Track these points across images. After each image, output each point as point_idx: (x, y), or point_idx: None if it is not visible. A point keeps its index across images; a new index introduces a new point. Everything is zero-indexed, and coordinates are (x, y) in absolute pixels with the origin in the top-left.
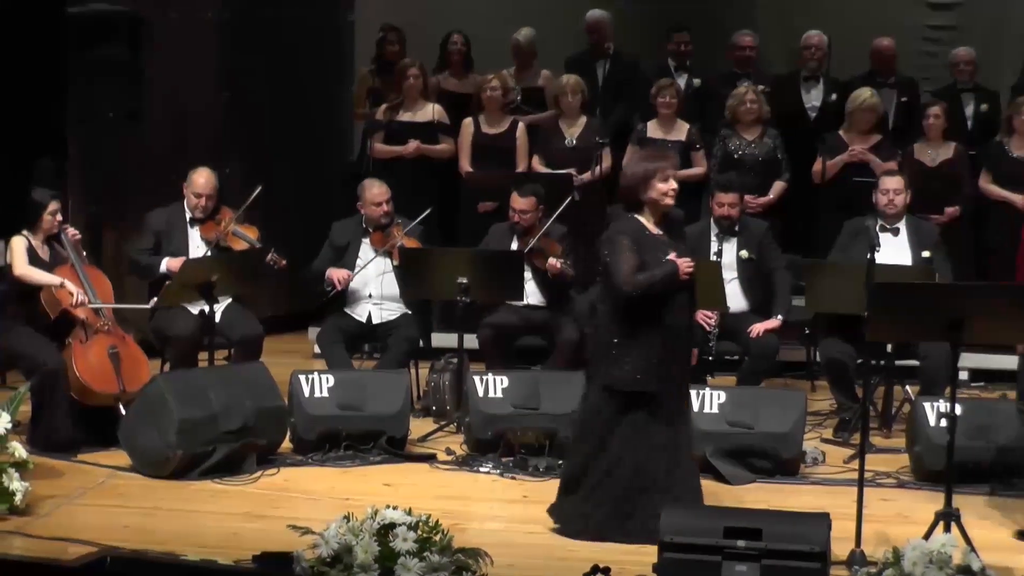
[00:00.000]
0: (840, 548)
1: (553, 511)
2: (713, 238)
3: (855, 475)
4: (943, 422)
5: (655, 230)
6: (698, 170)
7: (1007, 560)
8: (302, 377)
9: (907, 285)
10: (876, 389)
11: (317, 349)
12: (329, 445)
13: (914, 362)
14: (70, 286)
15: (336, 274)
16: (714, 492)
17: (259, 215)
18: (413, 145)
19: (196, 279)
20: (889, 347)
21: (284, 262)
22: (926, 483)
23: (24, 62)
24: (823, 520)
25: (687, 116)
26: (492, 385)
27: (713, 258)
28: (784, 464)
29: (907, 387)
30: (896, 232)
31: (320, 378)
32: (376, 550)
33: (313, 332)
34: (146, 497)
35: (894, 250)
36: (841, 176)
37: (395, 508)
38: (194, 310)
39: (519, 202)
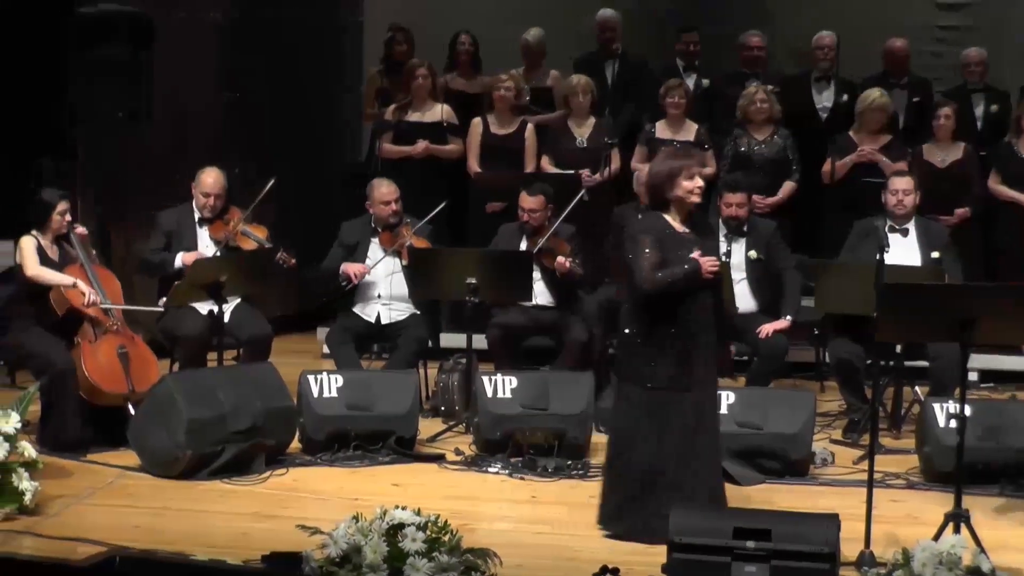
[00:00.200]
0: (849, 549)
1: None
2: (722, 238)
3: (864, 476)
4: (953, 423)
5: (680, 228)
6: (707, 170)
7: (1017, 561)
8: (311, 377)
9: (916, 286)
10: (885, 390)
11: (326, 349)
12: (338, 445)
13: (924, 363)
14: (82, 286)
15: (351, 268)
16: None
17: (274, 208)
18: (422, 145)
19: (205, 279)
20: (898, 348)
21: (293, 261)
22: (936, 484)
23: (30, 62)
24: (832, 521)
25: (695, 116)
26: (501, 385)
27: (722, 258)
28: (793, 465)
29: (916, 388)
30: (905, 233)
31: (329, 378)
32: (385, 550)
33: (322, 332)
34: (155, 497)
35: (903, 251)
36: (850, 176)
37: (404, 508)
38: (203, 310)
39: (528, 201)
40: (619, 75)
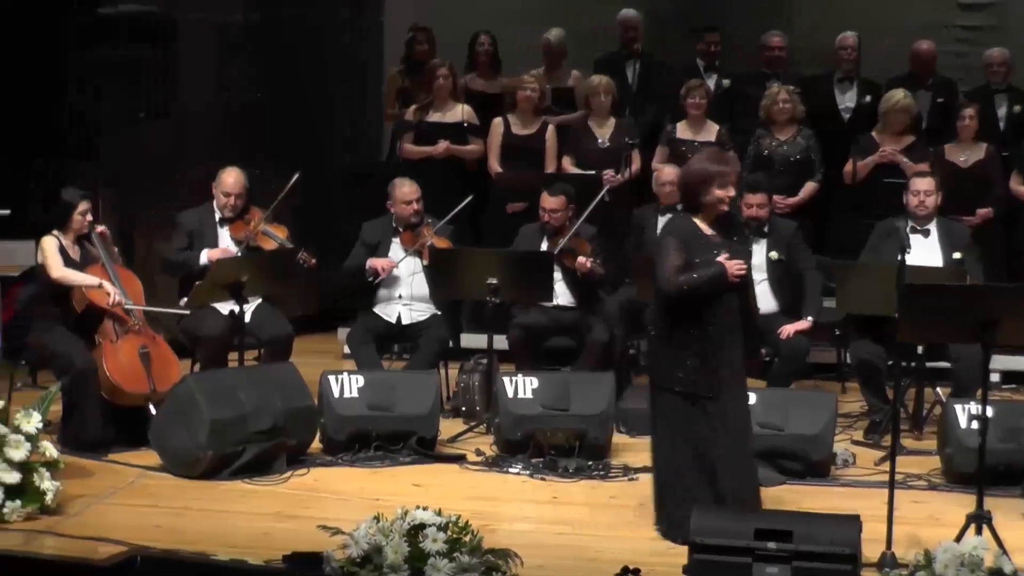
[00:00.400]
0: (871, 550)
1: None
2: None
3: (886, 477)
4: (974, 424)
5: (709, 231)
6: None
7: None
8: (332, 377)
9: (938, 286)
10: (907, 391)
11: (347, 349)
12: (359, 445)
13: (945, 364)
14: (107, 286)
15: (378, 262)
16: None
17: (294, 207)
18: (443, 145)
19: (226, 279)
20: (920, 349)
21: (314, 261)
22: (957, 485)
23: (53, 63)
24: (854, 522)
25: (716, 116)
26: (522, 386)
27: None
28: (814, 466)
29: (938, 389)
30: (927, 233)
31: (350, 378)
32: (406, 551)
33: (343, 332)
34: (176, 497)
35: (925, 251)
36: (872, 177)
37: (425, 509)
38: (224, 310)
39: (549, 201)
40: (640, 75)
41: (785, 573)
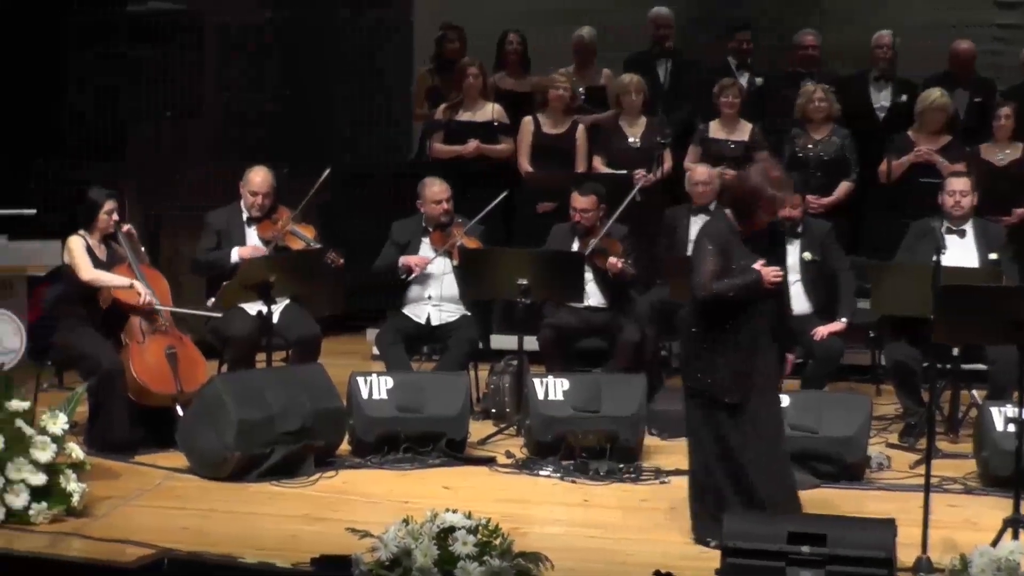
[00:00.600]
0: (906, 555)
1: None
2: None
3: (921, 480)
4: (1011, 427)
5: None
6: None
7: None
8: (361, 379)
9: (974, 288)
10: (942, 393)
11: (376, 350)
12: (388, 447)
13: (981, 366)
14: (138, 286)
15: (411, 259)
16: None
17: (322, 207)
18: (473, 144)
19: (254, 279)
20: (956, 350)
21: (342, 261)
22: (994, 489)
23: (78, 62)
24: (889, 526)
25: (747, 115)
26: (552, 387)
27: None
28: (849, 469)
29: (974, 391)
30: (962, 234)
31: (379, 380)
32: (435, 554)
33: (372, 333)
34: (203, 499)
35: (960, 252)
36: (908, 177)
37: (455, 511)
38: (252, 311)
39: (580, 201)
40: (672, 74)
41: None
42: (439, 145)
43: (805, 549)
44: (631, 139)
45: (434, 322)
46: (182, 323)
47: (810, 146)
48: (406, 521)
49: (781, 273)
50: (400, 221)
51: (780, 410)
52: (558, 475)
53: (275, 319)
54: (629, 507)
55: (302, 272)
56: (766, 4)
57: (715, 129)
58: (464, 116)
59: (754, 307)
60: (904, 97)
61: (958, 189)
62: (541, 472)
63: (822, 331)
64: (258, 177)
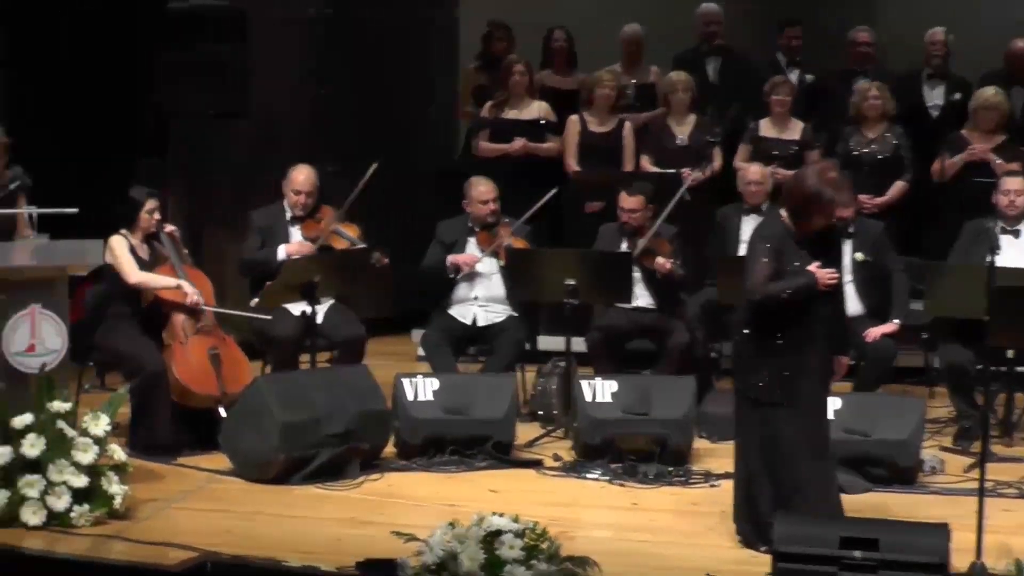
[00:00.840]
0: (960, 560)
1: None
2: None
3: (975, 484)
4: None
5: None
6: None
7: None
8: (406, 380)
9: None
10: (997, 396)
11: (421, 352)
12: (434, 450)
13: None
14: (186, 286)
15: (459, 258)
16: None
17: (366, 206)
18: (519, 143)
19: (298, 279)
20: (1010, 353)
21: (387, 261)
22: None
23: (122, 58)
24: (942, 531)
25: (797, 113)
26: (601, 389)
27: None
28: (901, 472)
29: None
30: (1017, 234)
31: (424, 381)
32: (482, 558)
33: (417, 334)
34: (247, 502)
35: (1015, 252)
36: (961, 176)
37: (501, 515)
38: (296, 311)
39: (627, 201)
40: (722, 71)
41: None
42: (485, 143)
43: (857, 554)
44: (679, 138)
45: (480, 323)
46: (225, 323)
47: (864, 145)
48: (452, 524)
49: (836, 275)
50: (446, 221)
51: (827, 417)
52: (606, 478)
53: (319, 319)
54: (678, 511)
55: (346, 272)
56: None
57: (766, 127)
58: (510, 114)
59: (808, 310)
60: (958, 95)
61: (1013, 188)
62: (589, 475)
63: (874, 333)
64: (301, 176)
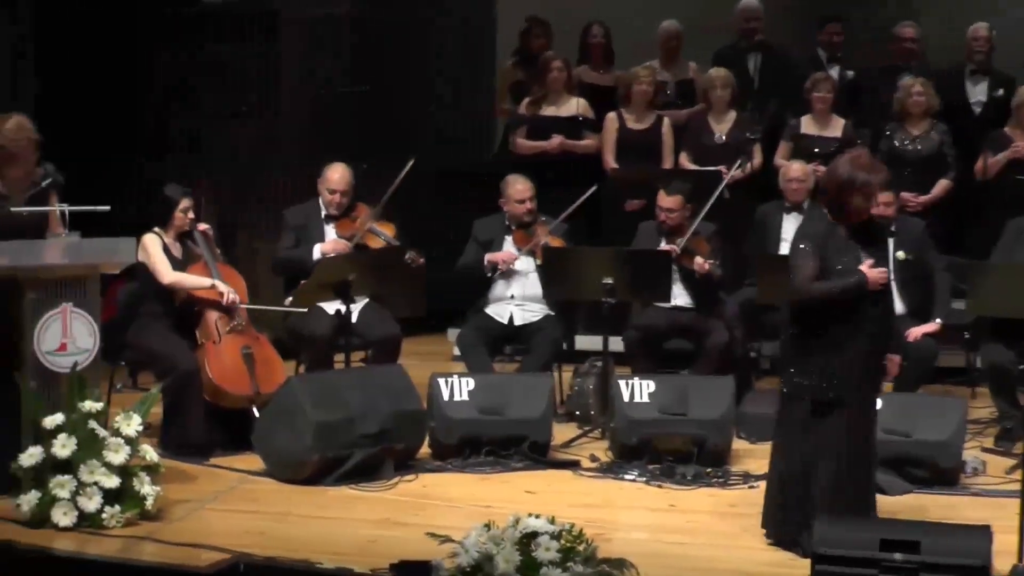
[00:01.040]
0: (1002, 563)
1: None
2: None
3: (1018, 486)
4: None
5: (848, 232)
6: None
7: None
8: (441, 380)
9: None
10: None
11: (457, 351)
12: (469, 450)
13: None
14: (220, 286)
15: (497, 256)
16: None
17: (400, 204)
18: (557, 140)
19: (332, 278)
20: None
21: (422, 260)
22: None
23: (153, 58)
24: (984, 533)
25: (838, 110)
26: (638, 389)
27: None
28: (943, 474)
29: None
30: None
31: (460, 381)
32: (518, 560)
33: (453, 334)
34: (280, 502)
35: None
36: (1005, 174)
37: (537, 516)
38: (330, 310)
39: (666, 200)
40: (762, 67)
41: None
42: (522, 140)
43: (898, 556)
44: (717, 135)
45: (517, 322)
46: (258, 322)
47: (907, 142)
48: (487, 526)
49: (887, 273)
50: (482, 219)
51: (875, 419)
52: (644, 479)
53: (354, 318)
54: (717, 512)
55: (381, 270)
56: None
57: (807, 124)
58: (548, 111)
59: (856, 308)
60: (1001, 91)
61: None
62: (626, 476)
63: (916, 332)
64: (336, 174)
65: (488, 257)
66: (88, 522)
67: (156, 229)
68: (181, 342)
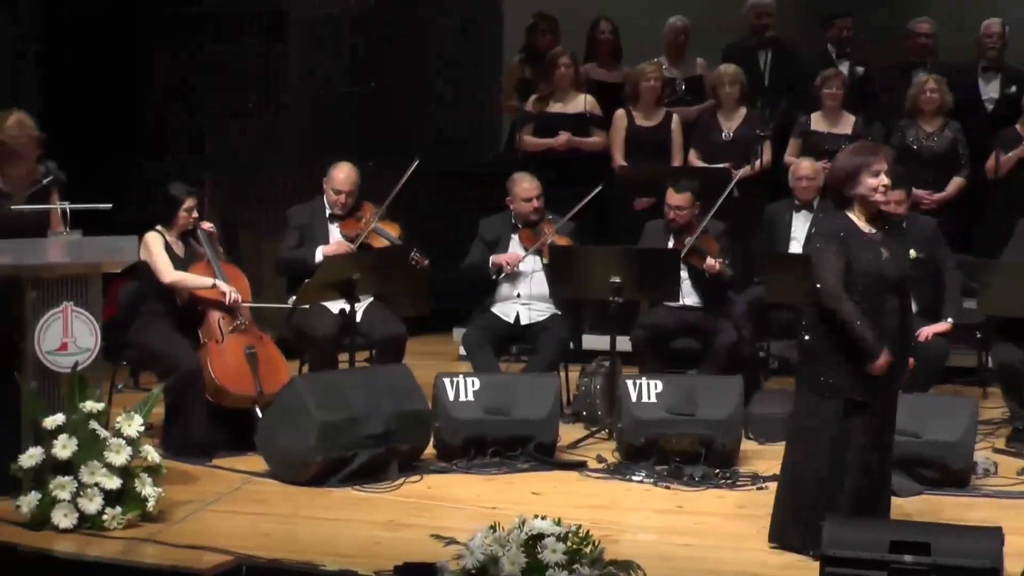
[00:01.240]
0: (1014, 565)
1: None
2: None
3: None
4: None
5: (866, 228)
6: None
7: None
8: (447, 380)
9: None
10: None
11: (462, 351)
12: (475, 451)
13: None
14: (221, 285)
15: (502, 257)
16: None
17: (405, 203)
18: (564, 137)
19: (335, 277)
20: None
21: (427, 262)
22: None
23: (157, 57)
24: (995, 535)
25: (847, 106)
26: (646, 389)
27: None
28: (954, 475)
29: None
30: None
31: (466, 381)
32: (523, 562)
33: (458, 333)
34: (283, 504)
35: None
36: (1015, 172)
37: (543, 518)
38: (334, 309)
39: (674, 198)
40: (773, 63)
41: None
42: (529, 138)
43: (908, 558)
44: (725, 132)
45: (523, 321)
46: (262, 322)
47: (921, 139)
48: (493, 528)
49: (887, 367)
50: (488, 218)
51: (894, 416)
52: (651, 480)
53: (358, 318)
54: (725, 514)
55: (385, 270)
56: None
57: (817, 121)
58: (555, 108)
59: (880, 308)
60: (1014, 88)
61: None
62: (633, 477)
63: (926, 332)
64: (341, 174)
65: (493, 259)
66: (89, 524)
67: (159, 228)
68: (183, 341)
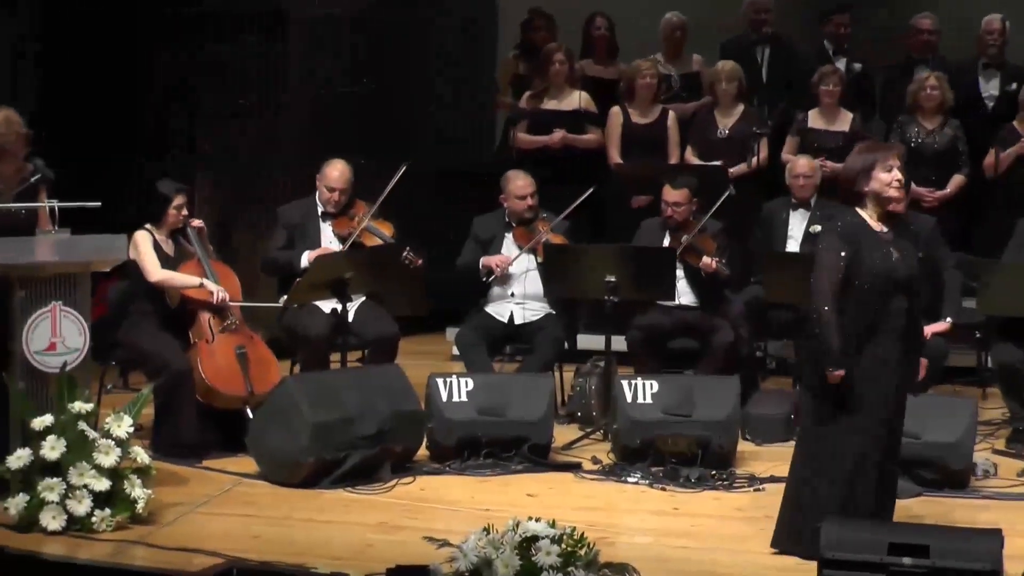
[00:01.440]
0: (1013, 567)
1: None
2: None
3: None
4: None
5: (878, 226)
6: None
7: None
8: (440, 380)
9: None
10: None
11: (456, 351)
12: (468, 452)
13: None
14: (210, 285)
15: (492, 260)
16: None
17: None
18: (559, 135)
19: (327, 276)
20: None
21: (420, 261)
22: None
23: (153, 56)
24: (995, 537)
25: (844, 103)
26: (641, 390)
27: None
28: (953, 476)
29: None
30: None
31: (459, 381)
32: (517, 564)
33: (452, 333)
34: (275, 506)
35: None
36: (1014, 170)
37: (538, 520)
38: (326, 309)
39: (672, 195)
40: (771, 60)
41: None
42: (523, 135)
43: (907, 561)
44: (720, 129)
45: (518, 321)
46: (253, 321)
47: (921, 136)
48: (487, 530)
49: (839, 380)
50: (481, 216)
51: (902, 417)
52: (647, 482)
53: (350, 317)
54: (721, 516)
55: (378, 268)
56: None
57: (814, 119)
58: (550, 104)
59: (885, 308)
60: (1014, 85)
61: None
62: (629, 479)
63: (926, 331)
64: (335, 172)
65: (483, 261)
66: (77, 526)
67: (148, 226)
68: (173, 341)
